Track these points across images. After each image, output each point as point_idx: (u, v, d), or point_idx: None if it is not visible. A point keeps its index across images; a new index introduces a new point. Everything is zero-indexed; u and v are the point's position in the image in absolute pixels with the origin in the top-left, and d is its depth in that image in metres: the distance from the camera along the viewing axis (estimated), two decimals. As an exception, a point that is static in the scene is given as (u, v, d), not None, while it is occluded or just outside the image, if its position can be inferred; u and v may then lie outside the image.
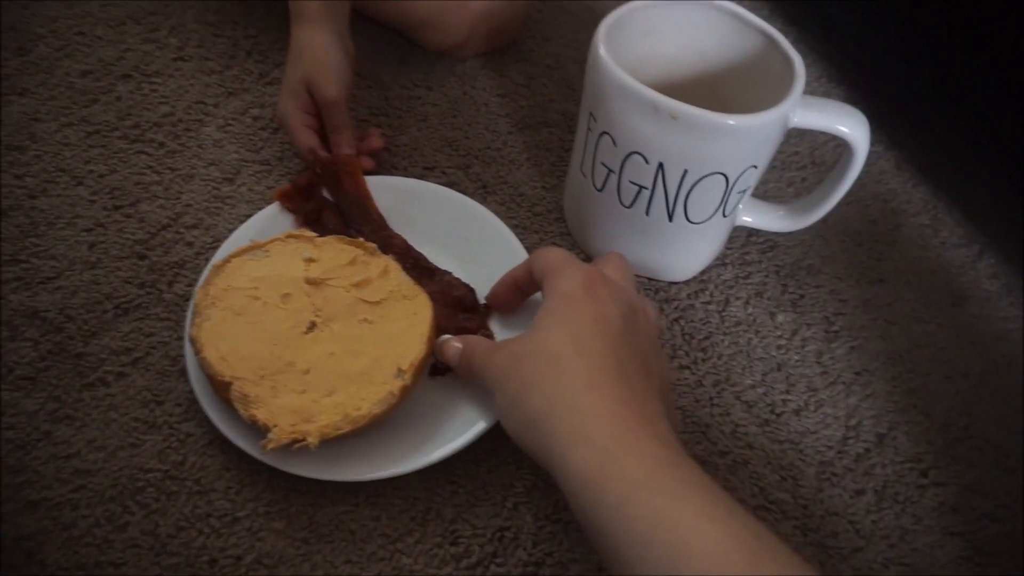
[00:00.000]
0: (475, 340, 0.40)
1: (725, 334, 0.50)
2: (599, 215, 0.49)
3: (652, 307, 0.39)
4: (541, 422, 0.33)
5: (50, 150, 0.53)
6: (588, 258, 0.52)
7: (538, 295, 0.41)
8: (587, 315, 0.35)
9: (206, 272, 0.43)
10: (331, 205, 0.50)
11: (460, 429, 0.41)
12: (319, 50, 0.49)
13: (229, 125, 0.57)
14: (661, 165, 0.43)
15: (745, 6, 0.46)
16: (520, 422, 0.34)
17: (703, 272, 0.53)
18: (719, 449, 0.45)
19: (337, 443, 0.38)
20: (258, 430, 0.37)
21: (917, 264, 0.56)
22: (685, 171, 0.42)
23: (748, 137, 0.42)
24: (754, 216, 0.50)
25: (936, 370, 0.50)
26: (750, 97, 0.45)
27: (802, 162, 0.61)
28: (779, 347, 0.50)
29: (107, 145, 0.54)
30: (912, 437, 0.47)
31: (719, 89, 0.49)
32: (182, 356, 0.44)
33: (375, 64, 0.62)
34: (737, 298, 0.52)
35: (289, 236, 0.44)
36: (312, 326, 0.41)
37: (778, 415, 0.47)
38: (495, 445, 0.42)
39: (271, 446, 0.36)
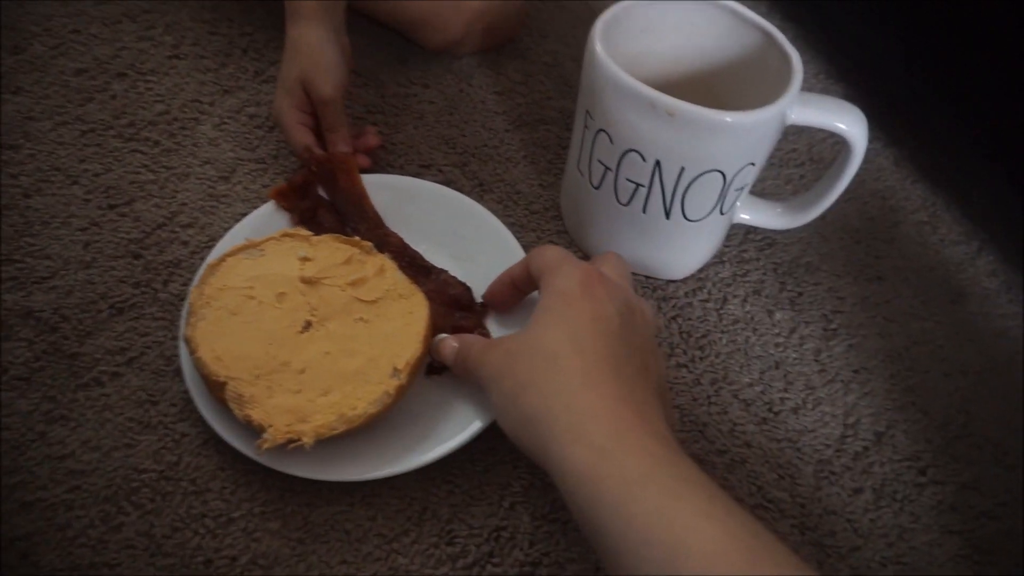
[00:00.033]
0: (471, 339, 0.40)
1: (723, 332, 0.50)
2: (596, 213, 0.49)
3: (649, 306, 0.39)
4: (538, 420, 0.33)
5: (45, 149, 0.53)
6: (585, 256, 0.52)
7: (535, 294, 0.41)
8: (584, 313, 0.35)
9: (201, 271, 0.43)
10: (327, 203, 0.50)
11: (456, 428, 0.41)
12: (315, 48, 0.49)
13: (224, 123, 0.56)
14: (658, 163, 0.42)
15: (743, 3, 0.46)
16: (516, 420, 0.34)
17: (701, 270, 0.53)
18: (717, 448, 0.45)
19: (333, 443, 0.38)
20: (253, 430, 0.37)
21: (916, 261, 0.56)
22: (682, 168, 0.42)
23: (745, 134, 0.41)
24: (752, 213, 0.50)
25: (935, 368, 0.50)
26: (748, 94, 0.45)
27: (800, 159, 0.61)
28: (777, 345, 0.50)
29: (102, 144, 0.54)
30: (911, 435, 0.47)
31: (716, 86, 0.49)
32: (177, 356, 0.43)
33: (371, 62, 0.62)
34: (735, 296, 0.52)
35: (285, 235, 0.44)
36: (308, 325, 0.41)
37: (776, 413, 0.47)
38: (492, 444, 0.42)
39: (266, 446, 0.36)
